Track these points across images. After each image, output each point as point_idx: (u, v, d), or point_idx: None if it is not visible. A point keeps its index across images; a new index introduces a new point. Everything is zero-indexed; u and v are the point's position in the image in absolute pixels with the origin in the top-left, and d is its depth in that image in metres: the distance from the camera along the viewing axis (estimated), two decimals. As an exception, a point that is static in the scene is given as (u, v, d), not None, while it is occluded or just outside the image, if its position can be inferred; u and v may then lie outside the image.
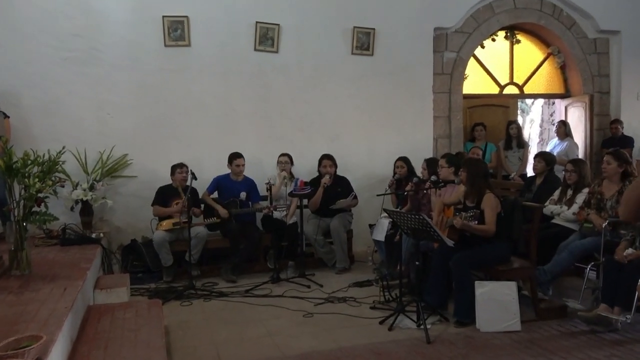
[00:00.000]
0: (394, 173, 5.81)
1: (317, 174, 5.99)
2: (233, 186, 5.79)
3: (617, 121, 7.48)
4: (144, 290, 5.06)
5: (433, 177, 4.91)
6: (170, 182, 5.61)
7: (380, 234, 5.32)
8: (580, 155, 7.45)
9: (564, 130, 7.36)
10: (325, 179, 5.76)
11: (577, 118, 7.84)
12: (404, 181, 5.63)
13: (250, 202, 5.81)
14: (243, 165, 5.78)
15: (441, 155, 5.48)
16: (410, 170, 5.79)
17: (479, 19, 7.18)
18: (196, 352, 3.64)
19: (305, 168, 6.27)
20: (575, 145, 7.41)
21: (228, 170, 5.83)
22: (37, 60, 5.64)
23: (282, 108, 6.42)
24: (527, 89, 7.88)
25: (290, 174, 5.95)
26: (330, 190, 5.82)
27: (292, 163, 5.97)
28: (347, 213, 5.96)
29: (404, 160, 5.82)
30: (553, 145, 7.43)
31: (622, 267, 3.86)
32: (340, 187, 5.92)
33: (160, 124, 6.04)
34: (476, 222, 4.00)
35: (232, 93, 6.25)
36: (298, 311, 4.44)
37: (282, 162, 5.90)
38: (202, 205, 5.70)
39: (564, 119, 7.90)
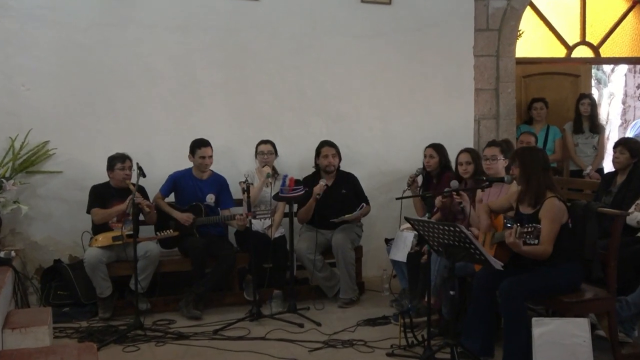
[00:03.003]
0: (422, 166, 5.81)
1: (312, 170, 6.03)
2: (196, 186, 5.81)
3: None
4: (73, 331, 5.08)
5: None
6: (107, 179, 5.62)
7: (400, 253, 5.34)
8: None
9: None
10: (320, 187, 5.71)
11: (673, 91, 7.89)
12: (435, 178, 5.65)
13: (220, 209, 5.84)
14: (210, 156, 5.81)
15: (486, 143, 5.44)
16: (445, 163, 5.75)
17: (539, -47, 7.23)
18: (146, 416, 3.69)
19: (297, 161, 6.32)
20: None
21: (189, 164, 5.87)
22: None
23: (265, 78, 6.43)
24: (604, 51, 7.91)
25: (274, 169, 5.96)
26: (332, 192, 5.85)
27: (276, 154, 6.00)
28: (354, 224, 5.99)
29: (436, 148, 5.76)
30: (637, 128, 7.45)
31: None
32: (346, 188, 5.95)
33: (94, 99, 6.04)
34: (537, 241, 3.99)
35: (195, 57, 6.26)
36: (287, 359, 4.47)
37: (263, 153, 5.92)
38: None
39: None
